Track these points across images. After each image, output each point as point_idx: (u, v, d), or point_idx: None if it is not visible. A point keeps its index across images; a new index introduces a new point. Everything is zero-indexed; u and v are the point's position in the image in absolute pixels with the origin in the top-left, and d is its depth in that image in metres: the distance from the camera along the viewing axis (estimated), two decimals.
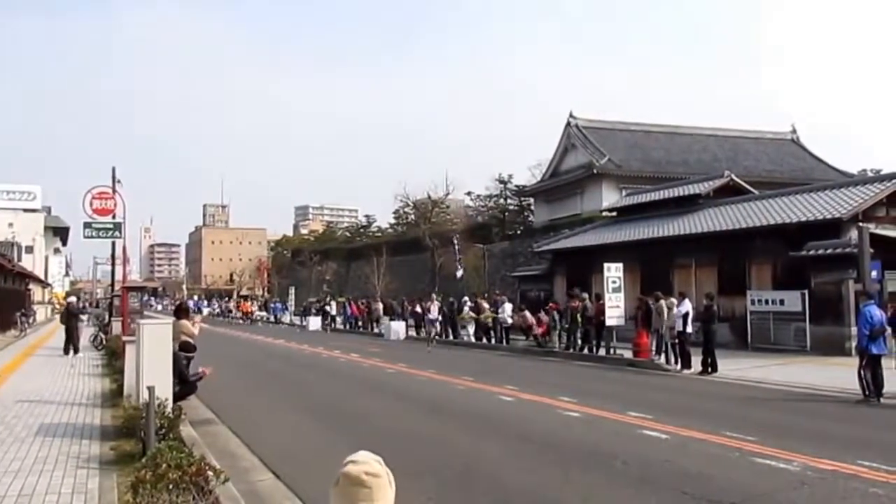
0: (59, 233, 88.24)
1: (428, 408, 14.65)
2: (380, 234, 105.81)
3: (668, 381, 19.16)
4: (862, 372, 14.80)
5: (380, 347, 31.97)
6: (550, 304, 30.05)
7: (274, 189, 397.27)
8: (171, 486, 5.91)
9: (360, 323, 47.95)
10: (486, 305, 34.03)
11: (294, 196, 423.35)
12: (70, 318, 26.44)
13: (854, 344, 16.82)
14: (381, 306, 46.18)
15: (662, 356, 22.27)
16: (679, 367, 21.17)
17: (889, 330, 15.50)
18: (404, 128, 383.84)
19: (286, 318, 62.44)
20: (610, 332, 25.34)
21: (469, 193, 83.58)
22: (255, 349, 33.56)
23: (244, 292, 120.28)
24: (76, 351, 25.44)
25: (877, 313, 15.01)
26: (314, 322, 50.65)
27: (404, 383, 18.97)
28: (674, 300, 22.28)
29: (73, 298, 32.88)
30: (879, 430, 12.11)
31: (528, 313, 30.78)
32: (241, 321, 64.15)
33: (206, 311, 72.79)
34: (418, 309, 39.27)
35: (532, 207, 68.98)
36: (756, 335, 26.30)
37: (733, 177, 35.22)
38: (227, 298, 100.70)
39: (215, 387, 15.56)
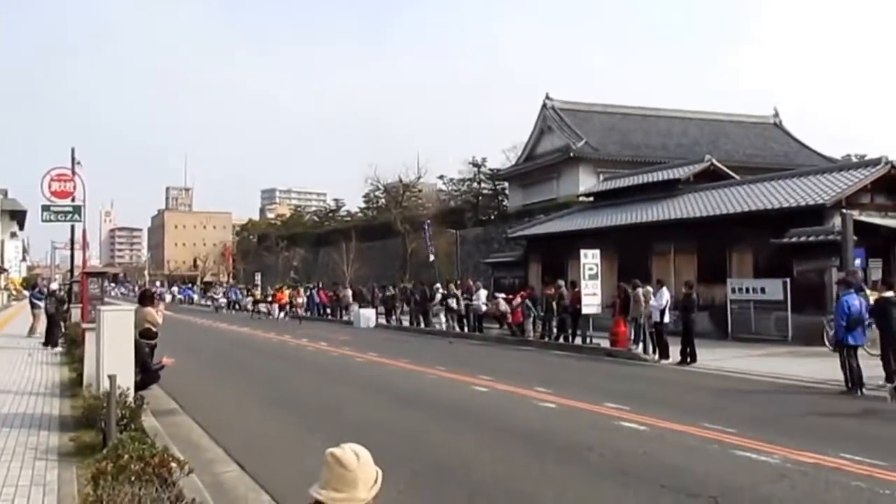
0: (16, 216, 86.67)
1: (399, 398, 14.68)
2: (349, 219, 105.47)
3: (645, 372, 19.32)
4: (846, 362, 14.95)
5: (349, 336, 31.93)
6: (524, 291, 30.17)
7: (239, 172, 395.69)
8: (132, 478, 5.88)
9: (328, 310, 47.87)
10: (456, 293, 34.04)
11: (260, 179, 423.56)
12: (58, 305, 25.54)
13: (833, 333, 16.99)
14: (350, 293, 46.10)
15: (640, 346, 22.43)
16: (657, 356, 21.33)
17: (868, 319, 15.61)
18: (376, 109, 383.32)
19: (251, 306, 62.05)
20: (586, 320, 25.42)
21: (442, 177, 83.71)
22: (218, 338, 33.41)
23: (208, 278, 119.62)
24: (55, 345, 24.13)
25: (855, 302, 15.09)
26: (279, 311, 50.46)
27: (375, 373, 18.97)
28: (651, 288, 22.44)
29: (55, 285, 32.20)
30: (862, 423, 12.28)
31: (502, 301, 30.84)
32: (221, 308, 63.10)
33: (168, 297, 72.12)
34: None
35: (506, 192, 69.10)
36: (736, 324, 26.54)
37: (714, 161, 35.45)
38: (190, 284, 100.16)
39: (178, 376, 15.47)
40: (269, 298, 52.58)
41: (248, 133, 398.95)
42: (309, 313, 47.41)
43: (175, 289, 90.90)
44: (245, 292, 65.01)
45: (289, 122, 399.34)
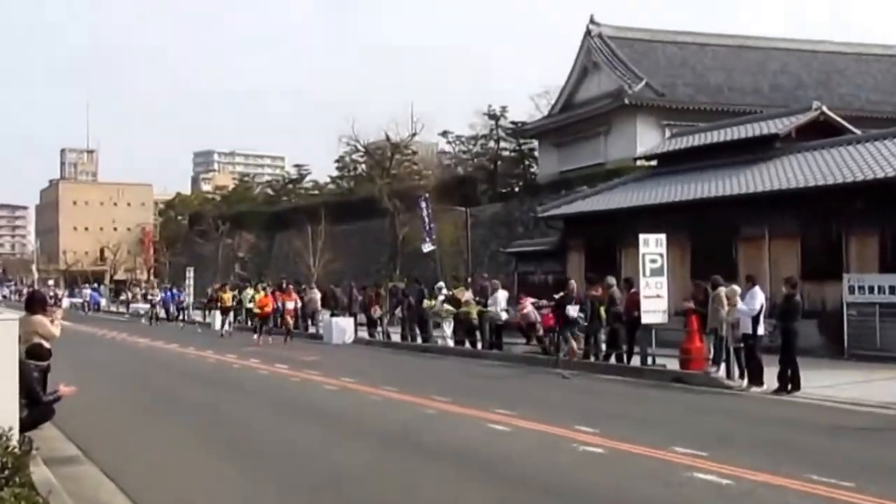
0: None
1: (386, 440, 14.70)
2: (317, 192, 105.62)
3: (729, 403, 19.31)
4: None
5: (317, 354, 31.96)
6: (562, 293, 30.14)
7: (163, 127, 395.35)
8: None
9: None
10: (468, 294, 34.05)
11: (193, 138, 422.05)
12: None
13: None
14: (318, 296, 46.00)
15: (722, 367, 22.40)
16: (745, 382, 21.32)
17: None
18: (355, 34, 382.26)
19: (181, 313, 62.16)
20: (647, 332, 25.42)
21: (445, 134, 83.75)
22: (136, 357, 33.47)
23: (121, 275, 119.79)
24: None
25: None
26: (221, 319, 50.49)
27: (351, 405, 18.98)
28: (737, 288, 22.42)
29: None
30: None
31: (529, 306, 30.83)
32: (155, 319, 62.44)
33: (66, 302, 72.26)
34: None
35: (536, 154, 69.13)
36: (855, 337, 26.50)
37: (825, 110, 35.36)
38: (96, 284, 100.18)
39: (82, 411, 15.50)
40: (210, 300, 52.60)
41: (175, 75, 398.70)
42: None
43: (87, 291, 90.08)
44: (178, 294, 64.86)
45: (233, 56, 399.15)
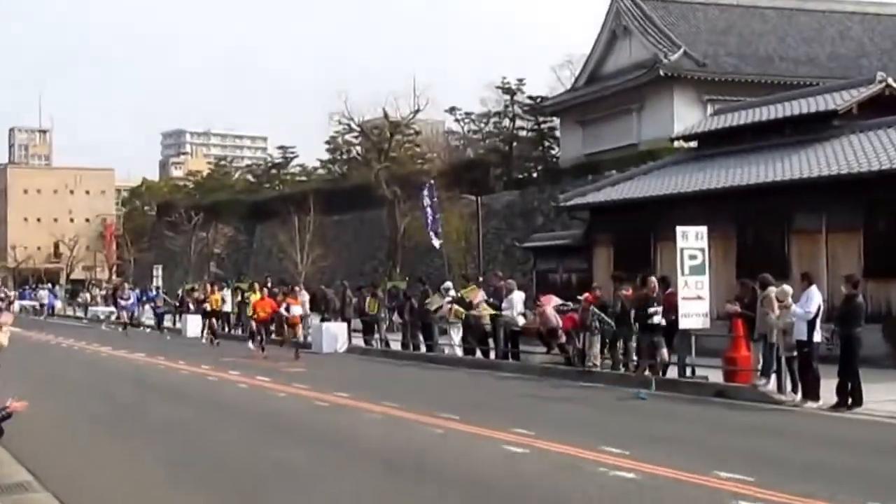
0: None
1: (386, 466, 14.70)
2: (304, 178, 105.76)
3: (780, 421, 19.32)
4: None
5: (306, 365, 32.09)
6: (587, 295, 30.07)
7: (127, 104, 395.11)
8: None
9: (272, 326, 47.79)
10: (480, 294, 34.00)
11: (161, 116, 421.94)
12: None
13: None
14: (306, 297, 46.04)
15: (772, 379, 22.37)
16: (799, 397, 21.34)
17: None
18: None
19: (147, 316, 61.94)
20: (686, 339, 25.45)
21: (453, 111, 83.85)
22: (97, 368, 33.69)
23: (77, 274, 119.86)
24: None
25: None
26: (194, 324, 50.50)
27: (346, 425, 19.04)
28: (790, 288, 22.39)
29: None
30: None
31: (550, 309, 30.82)
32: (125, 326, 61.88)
33: (17, 305, 72.35)
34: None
35: (557, 134, 69.14)
36: None
37: (891, 82, 35.32)
38: (50, 284, 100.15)
39: (34, 430, 15.56)
40: (180, 303, 52.63)
41: (140, 42, 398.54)
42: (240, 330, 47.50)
43: (44, 292, 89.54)
44: (144, 296, 64.58)
45: (206, 27, 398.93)
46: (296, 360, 34.54)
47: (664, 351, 24.78)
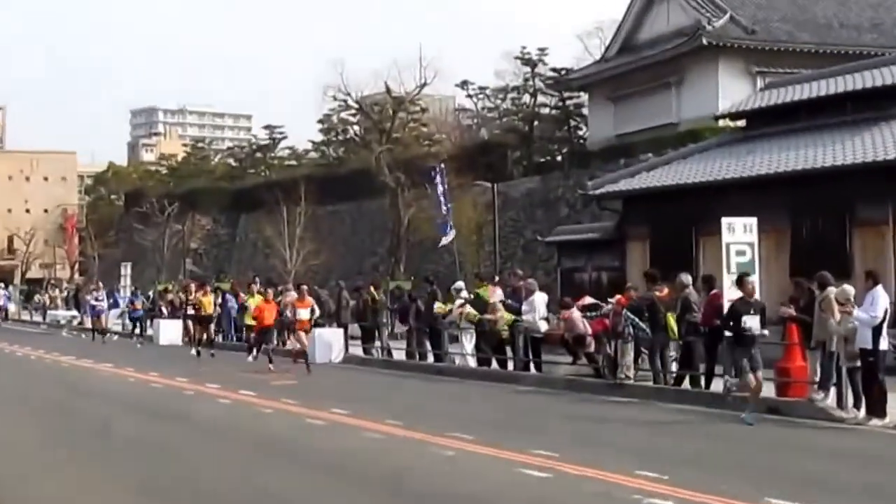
0: None
1: (388, 492, 14.80)
2: (295, 163, 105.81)
3: (840, 440, 19.39)
4: None
5: (296, 377, 32.34)
6: (619, 297, 30.09)
7: (90, 79, 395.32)
8: None
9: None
10: (498, 293, 33.99)
11: (129, 92, 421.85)
12: None
13: None
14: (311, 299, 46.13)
15: (832, 393, 22.40)
16: (862, 413, 21.35)
17: None
18: None
19: (114, 321, 61.99)
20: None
21: (465, 85, 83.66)
22: (58, 381, 33.76)
23: (34, 273, 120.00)
24: None
25: None
26: (168, 330, 50.63)
27: (343, 447, 19.07)
28: (852, 289, 22.42)
29: None
30: None
31: (576, 313, 30.89)
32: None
33: None
34: None
35: (584, 112, 69.22)
36: None
37: None
38: (3, 284, 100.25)
39: None
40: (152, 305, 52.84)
41: (107, 6, 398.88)
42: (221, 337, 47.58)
43: (1, 293, 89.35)
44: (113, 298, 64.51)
45: None
46: (308, 374, 34.05)
47: (760, 373, 22.59)
